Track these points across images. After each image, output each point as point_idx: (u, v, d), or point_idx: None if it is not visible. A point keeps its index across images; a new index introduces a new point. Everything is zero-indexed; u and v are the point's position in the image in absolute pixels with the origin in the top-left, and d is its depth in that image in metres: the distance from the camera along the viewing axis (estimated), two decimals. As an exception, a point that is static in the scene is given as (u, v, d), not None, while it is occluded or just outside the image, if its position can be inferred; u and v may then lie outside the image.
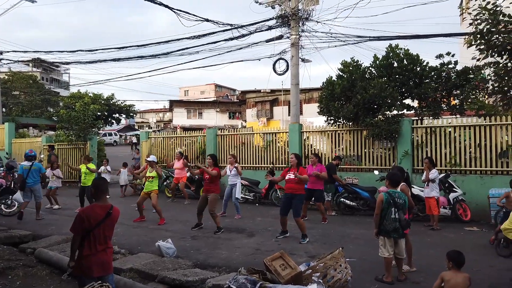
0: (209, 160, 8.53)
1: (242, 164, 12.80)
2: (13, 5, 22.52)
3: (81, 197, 10.36)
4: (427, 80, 11.26)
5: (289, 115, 29.14)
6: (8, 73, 46.42)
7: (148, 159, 9.48)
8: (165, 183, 13.42)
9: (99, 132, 42.31)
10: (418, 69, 11.31)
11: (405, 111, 11.89)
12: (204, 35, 16.82)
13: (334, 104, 11.13)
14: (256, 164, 12.84)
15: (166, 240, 6.34)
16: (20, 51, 23.89)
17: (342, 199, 9.90)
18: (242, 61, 23.24)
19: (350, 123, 11.23)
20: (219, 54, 17.04)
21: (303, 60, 15.19)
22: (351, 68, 11.48)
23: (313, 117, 21.76)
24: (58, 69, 66.15)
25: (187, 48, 17.17)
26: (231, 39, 15.96)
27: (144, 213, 9.32)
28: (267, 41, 15.86)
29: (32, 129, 36.47)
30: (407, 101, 11.89)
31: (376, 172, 9.88)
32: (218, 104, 48.85)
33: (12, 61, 24.16)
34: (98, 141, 17.80)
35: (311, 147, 12.06)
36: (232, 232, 8.04)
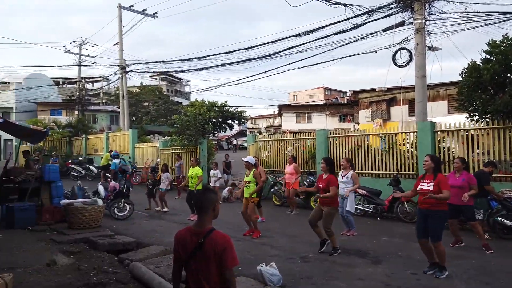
0: (323, 165, 6.93)
1: (358, 170, 11.11)
2: (137, 21, 24.43)
3: (190, 203, 10.01)
4: None
5: (409, 115, 26.05)
6: (139, 86, 52.21)
7: (244, 159, 8.29)
8: (272, 189, 12.45)
9: (215, 137, 44.68)
10: None
11: None
12: (312, 31, 15.58)
13: (480, 95, 8.75)
14: (376, 170, 10.99)
15: (270, 264, 5.16)
16: (143, 63, 25.59)
17: (498, 218, 7.50)
18: (356, 54, 21.11)
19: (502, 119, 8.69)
20: (329, 50, 15.46)
21: (430, 48, 12.78)
22: (502, 47, 8.91)
23: (440, 117, 18.57)
24: (181, 81, 72.46)
25: (294, 47, 16.13)
26: (343, 31, 14.39)
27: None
28: (385, 30, 13.81)
29: (157, 135, 39.73)
30: None
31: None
32: (327, 107, 47.02)
33: (138, 72, 26.11)
34: (208, 145, 17.86)
35: (448, 151, 9.73)
36: (352, 256, 6.50)
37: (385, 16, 13.22)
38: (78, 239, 7.55)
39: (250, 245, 7.28)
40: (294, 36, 15.12)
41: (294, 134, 14.56)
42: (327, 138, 12.22)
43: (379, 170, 10.92)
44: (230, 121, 51.43)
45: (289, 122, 46.61)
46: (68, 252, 6.71)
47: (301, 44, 15.28)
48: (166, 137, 22.53)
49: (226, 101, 44.24)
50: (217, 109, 43.16)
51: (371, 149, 11.27)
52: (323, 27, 14.56)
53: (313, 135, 12.84)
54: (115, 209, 9.95)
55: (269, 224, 9.21)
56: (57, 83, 52.24)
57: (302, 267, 5.90)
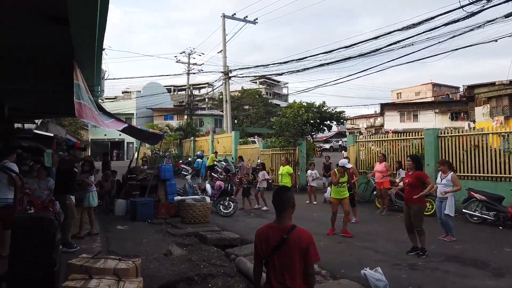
0: (409, 162, 6.79)
1: (475, 173, 10.07)
2: (239, 28, 25.75)
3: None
4: None
5: (539, 110, 22.55)
6: (240, 91, 54.73)
7: (340, 163, 8.46)
8: (374, 192, 11.94)
9: (315, 138, 44.62)
10: None
11: None
12: (419, 23, 14.55)
13: None
14: (497, 173, 9.78)
15: (375, 269, 4.96)
16: (244, 68, 26.72)
17: None
18: (471, 45, 19.15)
19: None
20: (438, 42, 14.25)
21: None
22: None
23: None
24: (279, 84, 73.93)
25: (398, 42, 15.24)
26: (455, 21, 13.16)
27: (347, 228, 8.14)
28: (507, 16, 12.26)
29: (257, 137, 41.10)
30: None
31: None
32: (436, 104, 43.21)
33: (240, 77, 27.35)
34: (307, 147, 17.87)
35: None
36: (468, 266, 5.90)
37: (507, 0, 11.77)
38: (190, 233, 8.22)
39: (352, 248, 7.10)
40: (398, 30, 14.32)
41: (398, 134, 13.72)
42: (437, 137, 11.26)
43: (500, 173, 9.69)
44: (328, 122, 50.85)
45: (392, 121, 44.02)
46: (181, 244, 7.37)
47: (406, 38, 14.40)
48: (266, 139, 23.19)
49: (324, 102, 43.35)
50: (315, 110, 43.12)
51: (490, 150, 10.07)
52: (432, 18, 13.52)
53: (421, 135, 11.96)
54: (221, 206, 10.58)
55: (372, 227, 8.87)
56: (169, 90, 57.58)
57: (410, 275, 5.55)
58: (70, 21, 3.91)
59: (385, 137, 14.13)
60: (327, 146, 49.63)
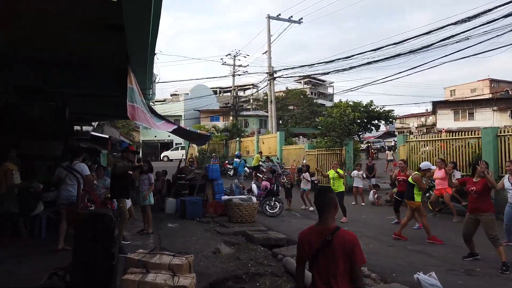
0: (483, 166, 6.19)
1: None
2: (284, 29, 25.74)
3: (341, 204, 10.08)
4: None
5: None
6: (285, 91, 54.68)
7: (424, 166, 8.06)
8: (427, 194, 11.42)
9: (361, 138, 43.48)
10: None
11: None
12: (475, 16, 13.77)
13: None
14: None
15: (429, 273, 4.75)
16: (289, 68, 26.64)
17: None
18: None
19: None
20: (496, 36, 13.37)
21: None
22: None
23: None
24: (324, 83, 72.97)
25: (452, 36, 14.49)
26: (516, 12, 12.31)
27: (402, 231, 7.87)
28: None
29: (302, 137, 40.81)
30: None
31: None
32: (494, 101, 40.50)
33: (285, 77, 27.32)
34: (354, 147, 17.48)
35: None
36: (532, 275, 5.50)
37: None
38: (237, 232, 8.36)
39: (403, 252, 6.86)
40: (452, 24, 13.63)
41: (452, 134, 13.03)
42: (496, 137, 10.57)
43: None
44: (376, 121, 49.36)
45: (446, 120, 41.86)
46: (229, 242, 7.50)
47: (461, 33, 13.67)
48: (312, 140, 22.99)
49: (371, 101, 42.22)
50: (362, 109, 42.01)
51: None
52: (489, 10, 12.73)
53: (478, 134, 11.29)
54: (267, 206, 10.64)
55: (424, 231, 8.49)
56: (215, 92, 58.78)
57: (466, 281, 5.27)
58: (125, 29, 4.12)
59: (438, 137, 13.47)
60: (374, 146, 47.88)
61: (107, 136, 15.11)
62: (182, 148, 39.23)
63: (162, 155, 39.07)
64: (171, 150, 39.25)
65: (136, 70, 5.54)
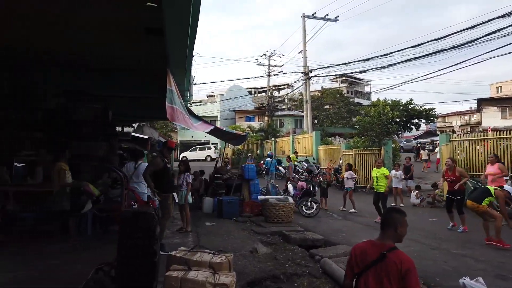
0: None
1: None
2: (319, 27, 25.49)
3: (376, 204, 9.85)
4: None
5: None
6: (320, 90, 54.05)
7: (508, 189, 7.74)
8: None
9: (399, 137, 42.15)
10: None
11: None
12: (525, 7, 12.99)
13: None
14: None
15: (476, 278, 4.53)
16: (325, 67, 26.34)
17: None
18: None
19: None
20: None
21: None
22: None
23: None
24: (361, 82, 71.48)
25: (499, 30, 13.73)
26: None
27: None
28: None
29: (338, 137, 40.21)
30: None
31: None
32: (546, 97, 38.05)
33: (321, 76, 27.00)
34: (393, 147, 16.99)
35: None
36: None
37: None
38: (273, 232, 8.35)
39: (447, 256, 6.59)
40: (498, 18, 12.94)
41: (499, 132, 12.34)
42: (549, 135, 9.93)
43: None
44: (416, 120, 47.68)
45: (492, 118, 39.77)
46: (266, 242, 7.51)
47: (509, 26, 12.93)
48: (348, 139, 22.58)
49: (411, 99, 40.95)
50: (401, 108, 40.71)
51: None
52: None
53: (528, 133, 10.64)
54: (303, 207, 10.57)
55: (471, 234, 8.10)
56: (250, 92, 59.11)
57: (518, 288, 4.98)
58: (165, 32, 4.24)
59: (484, 135, 12.82)
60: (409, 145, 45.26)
61: (147, 137, 15.60)
62: (201, 149, 39.88)
63: (181, 155, 39.12)
64: (190, 151, 39.66)
65: (175, 72, 5.68)
